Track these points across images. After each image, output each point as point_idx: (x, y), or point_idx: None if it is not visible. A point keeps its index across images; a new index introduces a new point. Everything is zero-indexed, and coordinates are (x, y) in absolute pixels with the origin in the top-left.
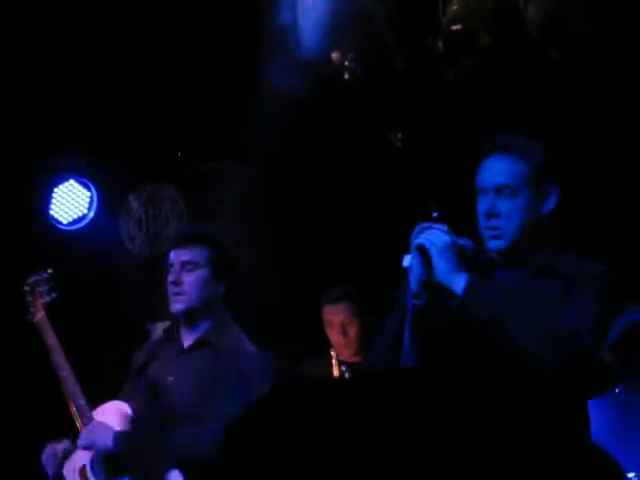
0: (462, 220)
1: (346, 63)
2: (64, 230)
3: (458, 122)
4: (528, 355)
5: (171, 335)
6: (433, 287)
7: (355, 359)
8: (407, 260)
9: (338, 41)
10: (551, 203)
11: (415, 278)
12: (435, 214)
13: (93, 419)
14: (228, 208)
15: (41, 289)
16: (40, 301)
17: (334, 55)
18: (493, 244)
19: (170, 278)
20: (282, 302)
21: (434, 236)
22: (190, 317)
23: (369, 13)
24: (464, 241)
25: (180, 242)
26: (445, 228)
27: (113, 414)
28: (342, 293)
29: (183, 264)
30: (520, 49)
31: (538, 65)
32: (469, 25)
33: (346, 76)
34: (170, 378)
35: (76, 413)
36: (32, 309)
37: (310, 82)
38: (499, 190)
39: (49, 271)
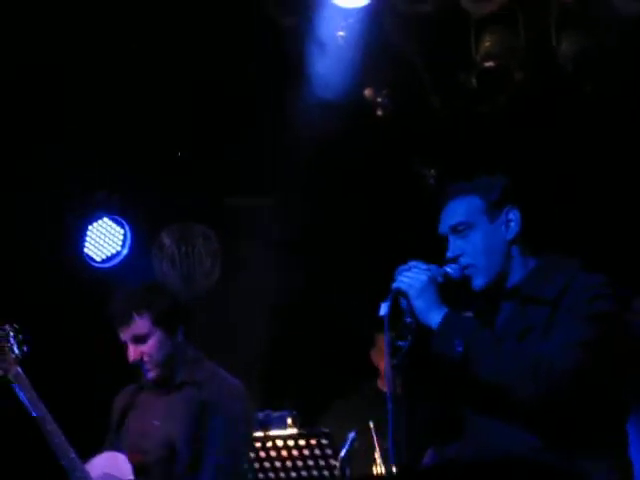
0: None
1: (379, 99)
2: (98, 268)
3: (491, 158)
4: (504, 391)
5: (147, 384)
6: (419, 329)
7: None
8: (383, 308)
9: (370, 78)
10: (514, 228)
11: (402, 321)
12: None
13: (88, 473)
14: (259, 246)
15: (8, 344)
16: (11, 356)
17: (367, 92)
18: (474, 284)
19: (129, 358)
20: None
21: (411, 277)
22: (166, 377)
23: (402, 49)
24: (450, 268)
25: (118, 322)
26: (424, 266)
27: (111, 465)
28: None
29: (133, 339)
30: (554, 84)
31: (572, 99)
32: (502, 61)
33: (379, 113)
34: (156, 422)
35: (68, 467)
36: (2, 365)
37: (342, 119)
38: (454, 229)
39: (9, 326)
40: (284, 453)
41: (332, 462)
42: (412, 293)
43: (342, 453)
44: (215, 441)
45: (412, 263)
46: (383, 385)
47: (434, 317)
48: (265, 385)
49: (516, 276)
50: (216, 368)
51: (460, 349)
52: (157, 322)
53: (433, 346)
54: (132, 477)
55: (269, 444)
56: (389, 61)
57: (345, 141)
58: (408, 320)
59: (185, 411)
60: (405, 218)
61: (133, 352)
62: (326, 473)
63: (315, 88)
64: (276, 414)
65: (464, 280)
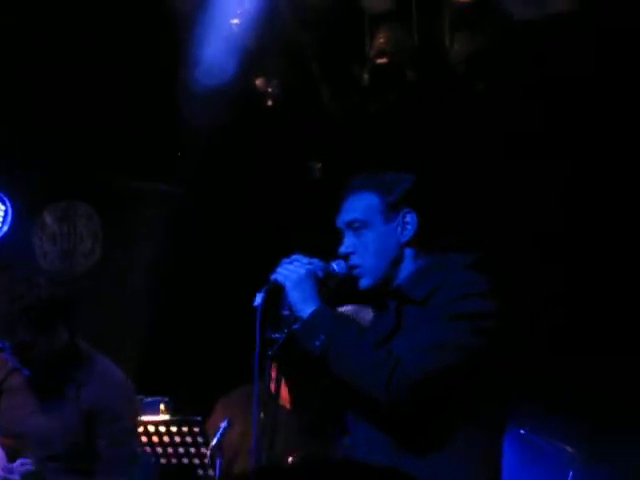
0: None
1: (269, 89)
2: None
3: (379, 154)
4: (357, 391)
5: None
6: (296, 322)
7: None
8: (258, 298)
9: (263, 67)
10: (409, 231)
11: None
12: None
13: None
14: (144, 229)
15: None
16: None
17: (258, 81)
18: (360, 284)
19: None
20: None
21: (289, 270)
22: (44, 374)
23: (296, 41)
24: (336, 264)
25: None
26: (306, 260)
27: None
28: None
29: (12, 348)
30: (445, 84)
31: (464, 99)
32: (394, 59)
33: (269, 103)
34: (32, 418)
35: None
36: None
37: (232, 108)
38: (350, 226)
39: None
40: (155, 439)
41: (203, 450)
42: (288, 285)
43: (213, 442)
44: (102, 445)
45: (294, 257)
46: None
47: (307, 310)
48: (142, 370)
49: (402, 277)
50: (101, 365)
51: (318, 343)
52: (35, 330)
53: (297, 338)
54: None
55: (141, 429)
56: (282, 52)
57: (234, 130)
58: (285, 313)
59: (64, 413)
60: (291, 210)
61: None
62: (197, 461)
63: (206, 75)
64: (149, 399)
65: (349, 278)
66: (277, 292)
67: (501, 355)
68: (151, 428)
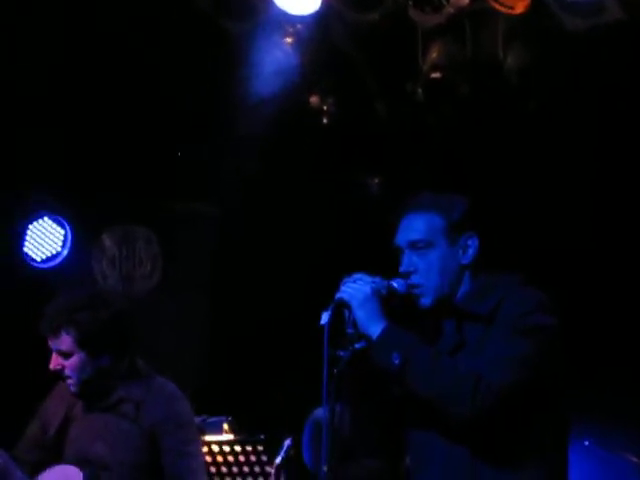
0: None
1: (325, 107)
2: (38, 268)
3: (437, 169)
4: (439, 407)
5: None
6: (360, 339)
7: None
8: (324, 317)
9: (317, 85)
10: (470, 254)
11: (344, 331)
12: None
13: None
14: (200, 250)
15: None
16: None
17: (313, 99)
18: (420, 303)
19: (50, 364)
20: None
21: (354, 288)
22: (90, 393)
23: (349, 57)
24: (396, 282)
25: (44, 332)
26: (369, 279)
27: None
28: None
29: (57, 351)
30: (499, 98)
31: (517, 114)
32: (448, 73)
33: (325, 120)
34: (95, 443)
35: None
36: None
37: (287, 127)
38: (413, 245)
39: None
40: (219, 458)
41: (267, 469)
42: (354, 303)
43: (277, 460)
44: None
45: (357, 275)
46: None
47: (374, 329)
48: (205, 390)
49: (460, 296)
50: (158, 382)
51: (397, 362)
52: (80, 344)
53: (371, 358)
54: None
55: (205, 449)
56: (336, 69)
57: (290, 149)
58: (350, 331)
59: (125, 434)
60: (349, 228)
61: (54, 361)
62: (262, 479)
63: (261, 96)
64: (212, 419)
65: (409, 296)
66: (341, 311)
67: (566, 367)
68: (215, 448)
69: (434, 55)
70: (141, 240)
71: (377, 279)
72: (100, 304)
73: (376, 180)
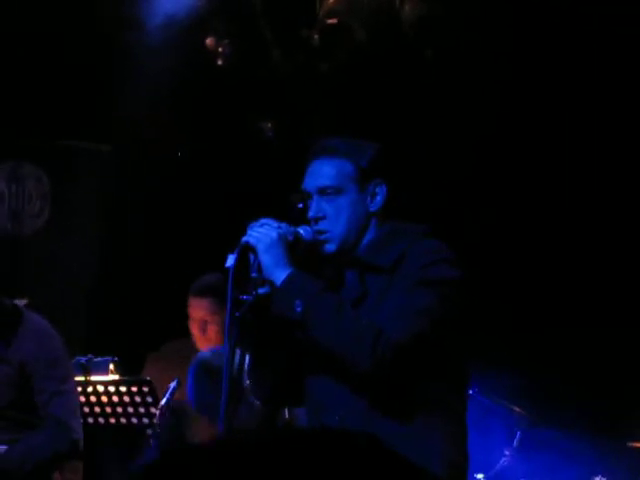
0: None
1: (220, 49)
2: None
3: (330, 114)
4: (339, 357)
5: None
6: (264, 284)
7: None
8: (230, 260)
9: (213, 27)
10: (379, 200)
11: (249, 274)
12: (300, 205)
13: None
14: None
15: None
16: None
17: (208, 40)
18: (325, 249)
19: None
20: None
21: (261, 233)
22: None
23: (246, 1)
24: (302, 229)
25: None
26: (275, 224)
27: None
28: (206, 287)
29: None
30: (395, 46)
31: (413, 63)
32: (344, 19)
33: (219, 62)
34: None
35: None
36: None
37: (182, 68)
38: (322, 191)
39: None
40: (104, 399)
41: (152, 410)
42: (260, 247)
43: (163, 401)
44: (44, 398)
45: (264, 220)
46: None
47: (279, 274)
48: (89, 330)
49: (363, 245)
50: (31, 321)
51: (299, 309)
52: None
53: (273, 303)
54: None
55: (90, 389)
56: (232, 12)
57: (184, 87)
58: (254, 275)
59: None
60: (241, 170)
61: None
62: (146, 420)
63: (156, 34)
64: (98, 359)
65: (315, 242)
66: (246, 254)
67: (468, 320)
68: (100, 388)
69: (331, 1)
70: (31, 178)
71: (284, 225)
72: None
73: (270, 124)
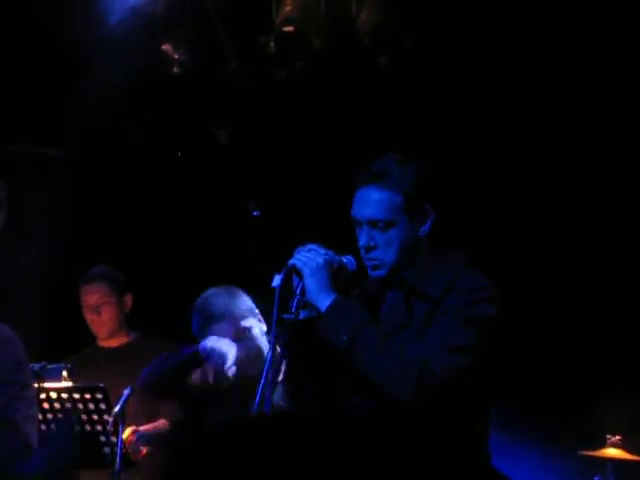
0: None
1: (176, 56)
2: None
3: (285, 122)
4: (380, 386)
5: None
6: (307, 306)
7: (114, 342)
8: (276, 280)
9: (170, 34)
10: (427, 225)
11: (293, 297)
12: (255, 213)
13: None
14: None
15: None
16: None
17: (165, 47)
18: (374, 274)
19: None
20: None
21: (307, 257)
22: None
23: (203, 8)
24: (346, 259)
25: None
26: (322, 250)
27: None
28: (97, 274)
29: None
30: (352, 54)
31: (370, 71)
32: (300, 27)
33: (175, 69)
34: None
35: None
36: None
37: (138, 74)
38: (373, 223)
39: None
40: (57, 405)
41: (105, 417)
42: (306, 272)
43: (116, 409)
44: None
45: (310, 245)
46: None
47: (323, 300)
48: (45, 336)
49: (410, 266)
50: None
51: (345, 338)
52: None
53: (318, 329)
54: None
55: (43, 396)
56: (190, 18)
57: (141, 97)
58: (297, 298)
59: None
60: (195, 176)
61: None
62: (99, 427)
63: (110, 37)
64: (52, 366)
65: (358, 273)
66: (290, 276)
67: (499, 354)
68: (53, 395)
69: (288, 8)
70: None
71: (330, 252)
72: None
73: (225, 132)
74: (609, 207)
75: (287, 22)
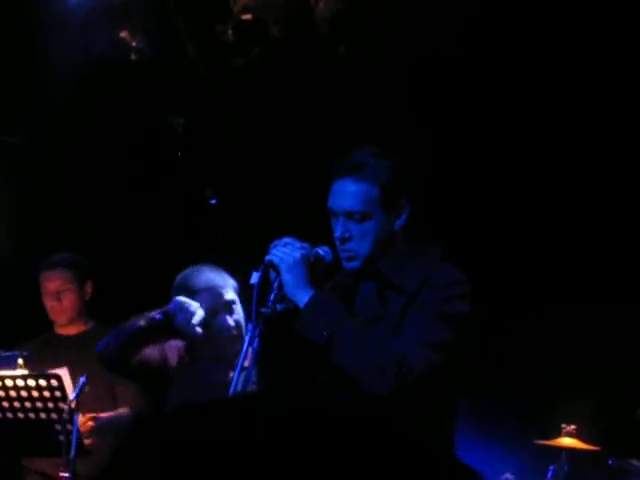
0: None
1: (134, 44)
2: None
3: (242, 110)
4: (358, 378)
5: None
6: (284, 300)
7: (73, 329)
8: (254, 277)
9: (127, 21)
10: (402, 219)
11: (270, 292)
12: (213, 201)
13: None
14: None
15: None
16: None
17: (122, 35)
18: (349, 265)
19: None
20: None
21: (284, 252)
22: None
23: None
24: (323, 251)
25: None
26: (298, 244)
27: None
28: (59, 261)
29: None
30: (310, 42)
31: (328, 59)
32: (258, 15)
33: (133, 57)
34: None
35: None
36: None
37: (95, 59)
38: (349, 215)
39: None
40: (12, 393)
41: (61, 405)
42: (283, 267)
43: (72, 396)
44: None
45: (287, 239)
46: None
47: (301, 295)
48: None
49: (382, 259)
50: None
51: (325, 334)
52: None
53: (297, 324)
54: None
55: None
56: (147, 6)
57: (97, 84)
58: (274, 292)
59: None
60: (152, 164)
61: None
62: (55, 416)
63: (69, 28)
64: (6, 354)
65: (334, 264)
66: (268, 271)
67: (473, 350)
68: (8, 382)
69: None
70: None
71: (306, 245)
72: None
73: (182, 120)
74: (583, 199)
75: (245, 10)
